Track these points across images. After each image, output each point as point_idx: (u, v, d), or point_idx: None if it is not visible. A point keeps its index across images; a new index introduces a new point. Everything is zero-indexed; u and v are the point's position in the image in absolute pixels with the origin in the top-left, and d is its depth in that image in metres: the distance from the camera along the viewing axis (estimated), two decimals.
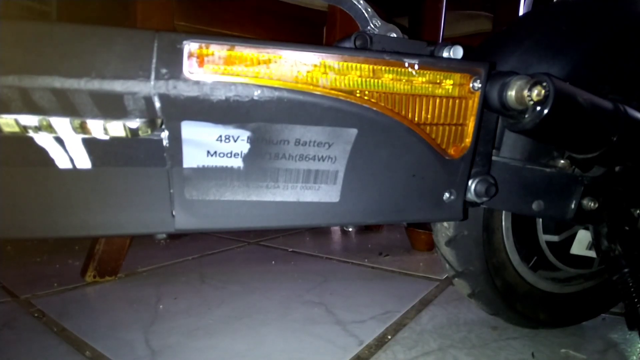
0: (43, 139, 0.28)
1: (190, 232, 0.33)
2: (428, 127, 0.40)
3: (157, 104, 0.30)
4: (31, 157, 0.29)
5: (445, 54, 0.41)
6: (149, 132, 0.30)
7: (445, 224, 0.56)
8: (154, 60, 0.29)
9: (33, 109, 0.27)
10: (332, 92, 0.35)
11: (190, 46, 0.30)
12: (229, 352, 0.58)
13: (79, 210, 0.31)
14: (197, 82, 0.31)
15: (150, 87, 0.29)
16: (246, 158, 0.34)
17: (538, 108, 0.41)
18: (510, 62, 0.52)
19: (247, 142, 0.33)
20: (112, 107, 0.29)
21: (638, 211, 0.57)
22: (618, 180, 0.56)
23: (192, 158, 0.32)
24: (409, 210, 0.42)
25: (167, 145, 0.32)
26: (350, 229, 1.35)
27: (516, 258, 0.60)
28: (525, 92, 0.40)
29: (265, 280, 0.89)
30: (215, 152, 0.33)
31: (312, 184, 0.37)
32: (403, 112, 0.38)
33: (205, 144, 0.32)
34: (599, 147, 0.49)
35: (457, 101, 0.40)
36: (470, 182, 0.45)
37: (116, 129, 0.30)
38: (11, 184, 0.29)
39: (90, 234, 0.33)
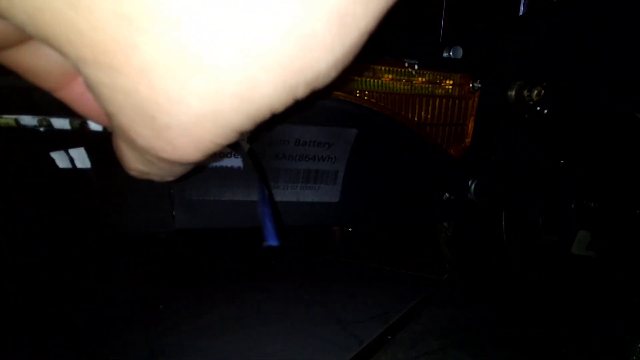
0: (43, 139, 0.28)
1: (190, 232, 0.33)
2: (428, 127, 0.40)
3: None
4: (32, 156, 0.29)
5: (445, 54, 0.41)
6: None
7: (445, 223, 0.56)
8: None
9: (33, 109, 0.27)
10: (332, 92, 0.35)
11: None
12: (229, 352, 0.58)
13: (79, 210, 0.31)
14: None
15: None
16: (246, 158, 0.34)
17: (538, 108, 0.41)
18: (510, 62, 0.52)
19: (247, 142, 0.33)
20: None
21: (638, 210, 0.57)
22: (618, 180, 0.56)
23: None
24: (408, 210, 0.42)
25: None
26: (350, 229, 1.35)
27: (516, 257, 0.60)
28: (525, 92, 0.40)
29: (265, 280, 0.89)
30: (215, 152, 0.33)
31: (312, 184, 0.37)
32: (403, 112, 0.38)
33: None
34: (599, 148, 0.49)
35: (457, 101, 0.40)
36: (470, 182, 0.45)
37: None
38: (11, 184, 0.29)
39: (91, 234, 0.33)
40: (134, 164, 0.20)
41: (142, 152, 0.18)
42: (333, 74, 0.17)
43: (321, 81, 0.17)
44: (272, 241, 0.24)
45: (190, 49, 0.14)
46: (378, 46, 0.39)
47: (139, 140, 0.17)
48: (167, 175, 0.21)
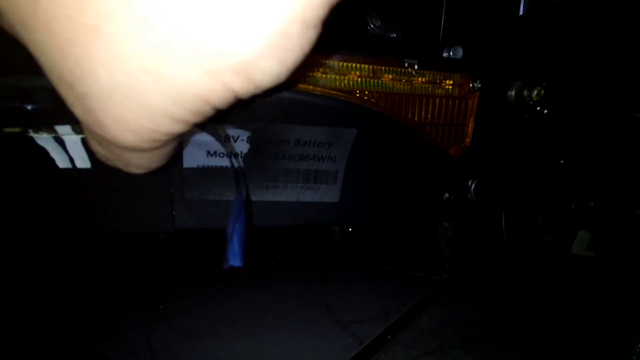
0: (43, 139, 0.28)
1: (190, 232, 0.34)
2: (428, 127, 0.40)
3: None
4: (31, 157, 0.29)
5: (445, 54, 0.41)
6: None
7: (445, 224, 0.56)
8: None
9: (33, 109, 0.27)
10: (332, 92, 0.35)
11: None
12: (229, 352, 0.58)
13: (79, 210, 0.31)
14: None
15: None
16: (246, 158, 0.34)
17: (538, 108, 0.41)
18: (510, 62, 0.52)
19: (247, 142, 0.33)
20: None
21: (638, 210, 0.57)
22: (618, 180, 0.56)
23: (192, 158, 0.32)
24: (408, 211, 0.42)
25: None
26: (350, 229, 1.35)
27: (516, 257, 0.60)
28: (525, 92, 0.40)
29: (265, 280, 0.89)
30: (215, 152, 0.33)
31: (312, 184, 0.37)
32: (403, 112, 0.38)
33: (205, 144, 0.32)
34: (599, 148, 0.49)
35: (457, 101, 0.40)
36: (469, 182, 0.45)
37: None
38: (11, 184, 0.29)
39: (91, 234, 0.33)
40: (92, 145, 0.19)
41: (85, 129, 0.18)
42: (269, 65, 0.15)
43: (255, 72, 0.15)
44: (236, 262, 0.23)
45: (86, 11, 0.13)
46: (377, 46, 0.39)
47: (76, 113, 0.16)
48: (124, 164, 0.20)
